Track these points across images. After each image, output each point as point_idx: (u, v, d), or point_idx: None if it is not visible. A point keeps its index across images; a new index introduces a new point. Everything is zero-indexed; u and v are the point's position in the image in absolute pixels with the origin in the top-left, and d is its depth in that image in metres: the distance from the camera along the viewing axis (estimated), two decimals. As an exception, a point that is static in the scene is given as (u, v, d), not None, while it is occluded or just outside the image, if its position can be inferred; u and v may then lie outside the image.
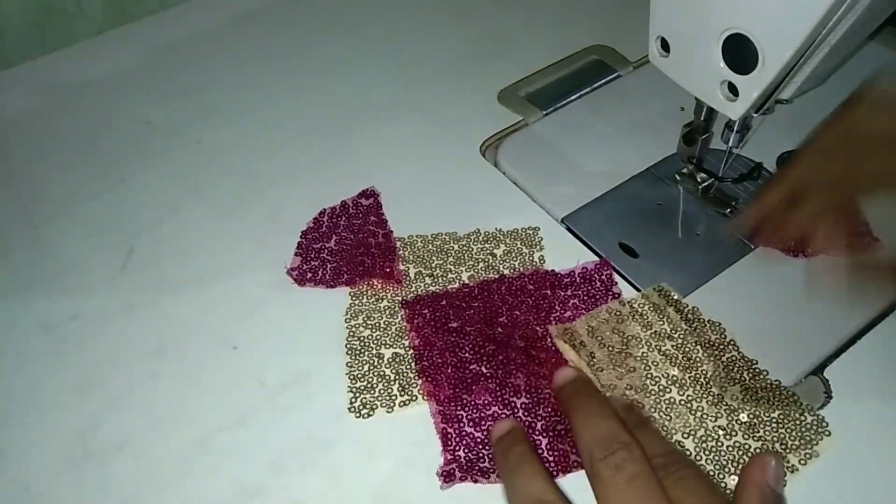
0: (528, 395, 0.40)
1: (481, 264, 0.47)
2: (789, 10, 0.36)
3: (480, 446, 0.39)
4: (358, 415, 0.41)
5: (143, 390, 0.42)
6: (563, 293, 0.45)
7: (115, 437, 0.40)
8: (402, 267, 0.47)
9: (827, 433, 0.38)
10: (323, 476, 0.39)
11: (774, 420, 0.39)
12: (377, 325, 0.44)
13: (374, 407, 0.41)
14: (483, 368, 0.42)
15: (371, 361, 0.43)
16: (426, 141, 0.56)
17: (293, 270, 0.47)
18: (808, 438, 0.38)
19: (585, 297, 0.45)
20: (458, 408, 0.40)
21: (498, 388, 0.41)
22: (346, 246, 0.48)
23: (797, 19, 0.36)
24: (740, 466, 0.38)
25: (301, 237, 0.49)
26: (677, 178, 0.52)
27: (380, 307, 0.45)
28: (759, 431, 0.39)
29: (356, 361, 0.43)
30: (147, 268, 0.48)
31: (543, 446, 0.39)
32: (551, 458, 0.38)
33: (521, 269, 0.47)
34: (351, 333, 0.44)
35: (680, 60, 0.43)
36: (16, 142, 0.57)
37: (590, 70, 0.61)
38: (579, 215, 0.50)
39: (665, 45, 0.43)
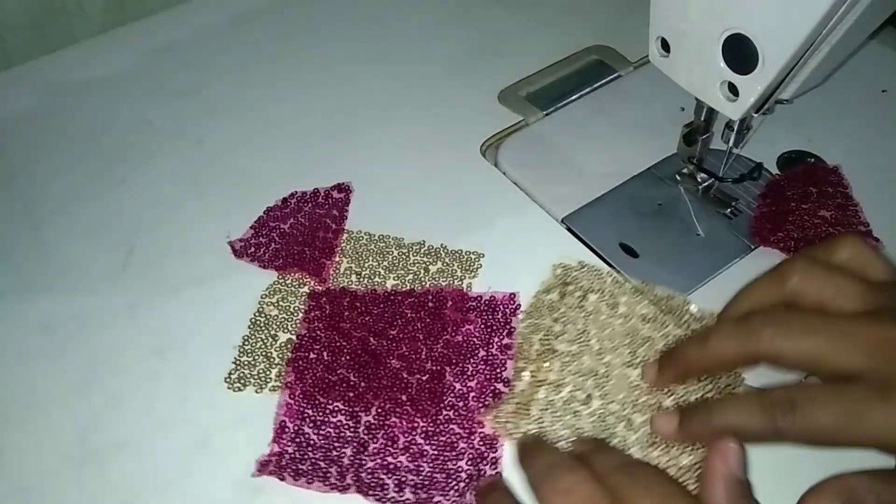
0: (377, 417, 0.40)
1: (411, 276, 0.46)
2: (789, 10, 0.36)
3: (310, 449, 0.38)
4: (230, 387, 0.41)
5: (143, 390, 0.42)
6: (460, 316, 0.44)
7: (115, 437, 0.40)
8: (337, 259, 0.47)
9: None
10: (323, 476, 0.39)
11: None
12: (287, 308, 0.45)
13: (247, 384, 0.41)
14: (351, 376, 0.41)
15: (266, 340, 0.43)
16: (426, 141, 0.56)
17: (238, 241, 0.48)
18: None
19: (482, 326, 0.43)
20: (308, 407, 0.40)
21: (353, 400, 0.40)
22: (297, 232, 0.48)
23: (797, 19, 0.36)
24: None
25: (264, 213, 0.50)
26: (678, 178, 0.52)
27: (298, 292, 0.45)
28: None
29: (253, 336, 0.43)
30: (147, 268, 0.48)
31: (366, 468, 0.38)
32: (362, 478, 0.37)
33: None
34: (260, 309, 0.44)
35: (680, 60, 0.43)
36: (16, 142, 0.57)
37: (590, 70, 0.61)
38: (579, 215, 0.50)
39: (665, 45, 0.43)
